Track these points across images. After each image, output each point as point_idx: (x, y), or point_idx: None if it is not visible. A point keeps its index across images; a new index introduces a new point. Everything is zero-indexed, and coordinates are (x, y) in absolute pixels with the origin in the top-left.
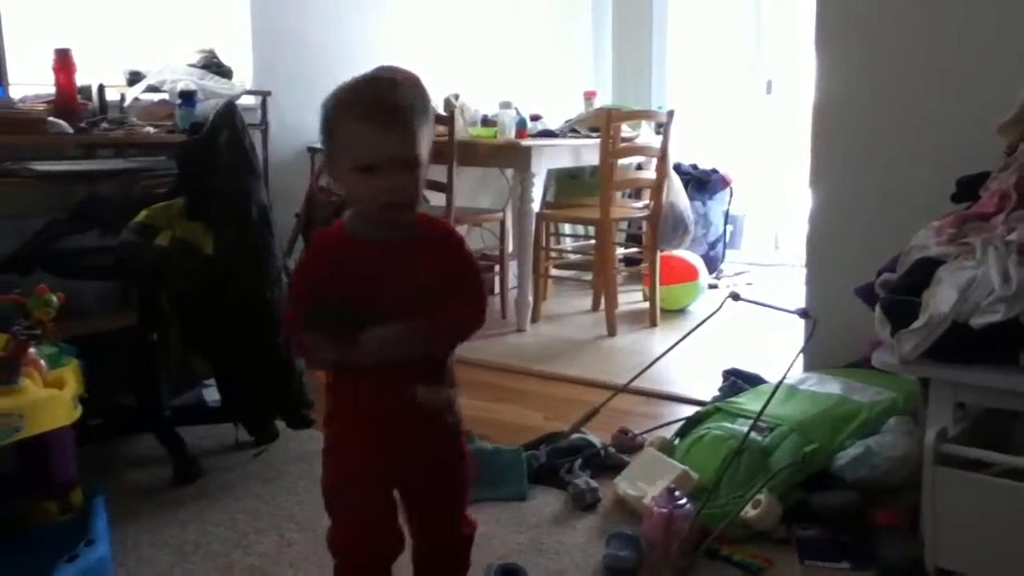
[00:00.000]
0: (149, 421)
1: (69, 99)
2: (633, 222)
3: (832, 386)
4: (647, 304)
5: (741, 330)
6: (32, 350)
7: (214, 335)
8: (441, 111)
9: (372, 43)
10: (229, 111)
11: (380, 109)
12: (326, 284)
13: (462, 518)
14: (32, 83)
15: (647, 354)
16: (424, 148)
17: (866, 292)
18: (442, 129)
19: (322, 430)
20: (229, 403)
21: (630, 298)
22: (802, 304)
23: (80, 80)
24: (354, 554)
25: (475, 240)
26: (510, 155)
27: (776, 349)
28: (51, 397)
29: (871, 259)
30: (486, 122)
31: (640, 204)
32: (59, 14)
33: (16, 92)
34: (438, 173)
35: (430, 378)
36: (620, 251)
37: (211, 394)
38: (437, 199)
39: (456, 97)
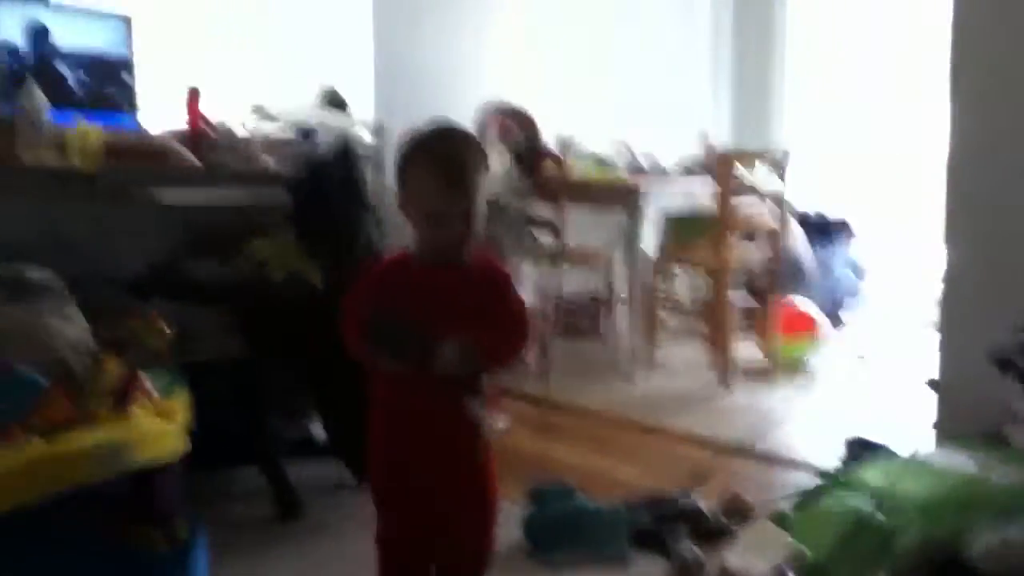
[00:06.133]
0: (254, 453)
1: (197, 132)
2: (749, 268)
3: (965, 462)
4: (763, 355)
5: (866, 391)
6: (145, 379)
7: (319, 368)
8: (554, 148)
9: (485, 74)
10: (344, 146)
11: (450, 166)
12: (384, 301)
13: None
14: (163, 117)
15: (762, 411)
16: (479, 199)
17: (1000, 356)
18: (554, 168)
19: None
20: (334, 440)
21: (745, 348)
22: (935, 367)
23: (208, 114)
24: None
25: (585, 281)
26: (622, 195)
27: (905, 414)
28: (161, 431)
29: (1010, 322)
30: (599, 161)
31: (754, 248)
32: (189, 53)
33: (151, 128)
34: (550, 212)
35: (467, 392)
36: (736, 298)
37: (318, 430)
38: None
39: (569, 136)
